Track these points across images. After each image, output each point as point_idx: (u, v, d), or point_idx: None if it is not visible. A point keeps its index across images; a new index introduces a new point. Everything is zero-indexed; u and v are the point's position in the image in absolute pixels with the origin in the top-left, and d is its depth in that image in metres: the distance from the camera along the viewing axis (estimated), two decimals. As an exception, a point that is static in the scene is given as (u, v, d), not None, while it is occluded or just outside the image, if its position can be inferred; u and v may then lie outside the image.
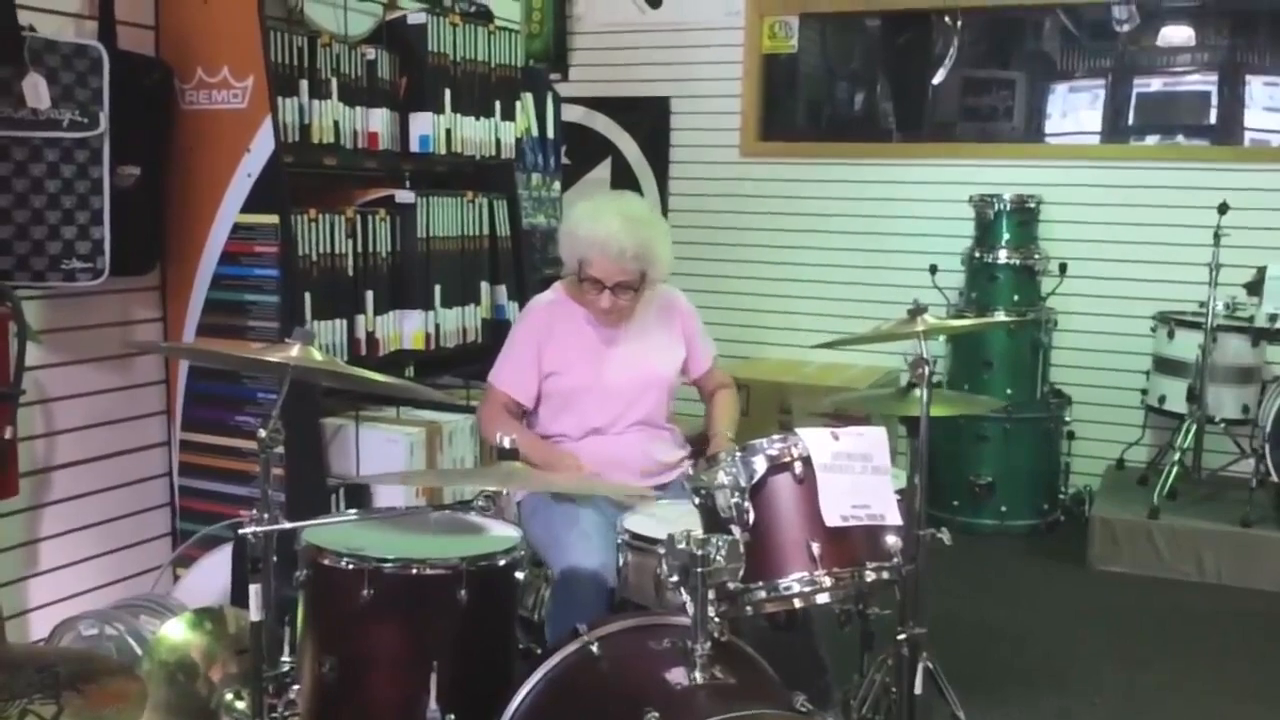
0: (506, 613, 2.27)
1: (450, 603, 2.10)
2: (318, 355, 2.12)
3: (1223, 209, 4.39)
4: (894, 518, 2.13)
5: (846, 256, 5.48)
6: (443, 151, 3.49)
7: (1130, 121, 5.41)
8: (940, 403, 2.79)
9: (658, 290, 3.04)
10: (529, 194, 4.50)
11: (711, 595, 1.95)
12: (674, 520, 2.26)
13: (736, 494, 2.09)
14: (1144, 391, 4.83)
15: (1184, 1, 5.26)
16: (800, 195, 5.53)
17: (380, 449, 3.17)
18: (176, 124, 3.09)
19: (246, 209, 3.04)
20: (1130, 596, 4.24)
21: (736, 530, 2.06)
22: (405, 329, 3.43)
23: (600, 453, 2.90)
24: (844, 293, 5.48)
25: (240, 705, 2.46)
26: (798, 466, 2.10)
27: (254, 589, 1.99)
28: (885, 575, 2.12)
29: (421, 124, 3.45)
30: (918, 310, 2.58)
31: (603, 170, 5.85)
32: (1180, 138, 5.36)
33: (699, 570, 1.93)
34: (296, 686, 2.17)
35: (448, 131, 3.50)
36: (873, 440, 2.15)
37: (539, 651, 2.24)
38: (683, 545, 1.95)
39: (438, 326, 3.52)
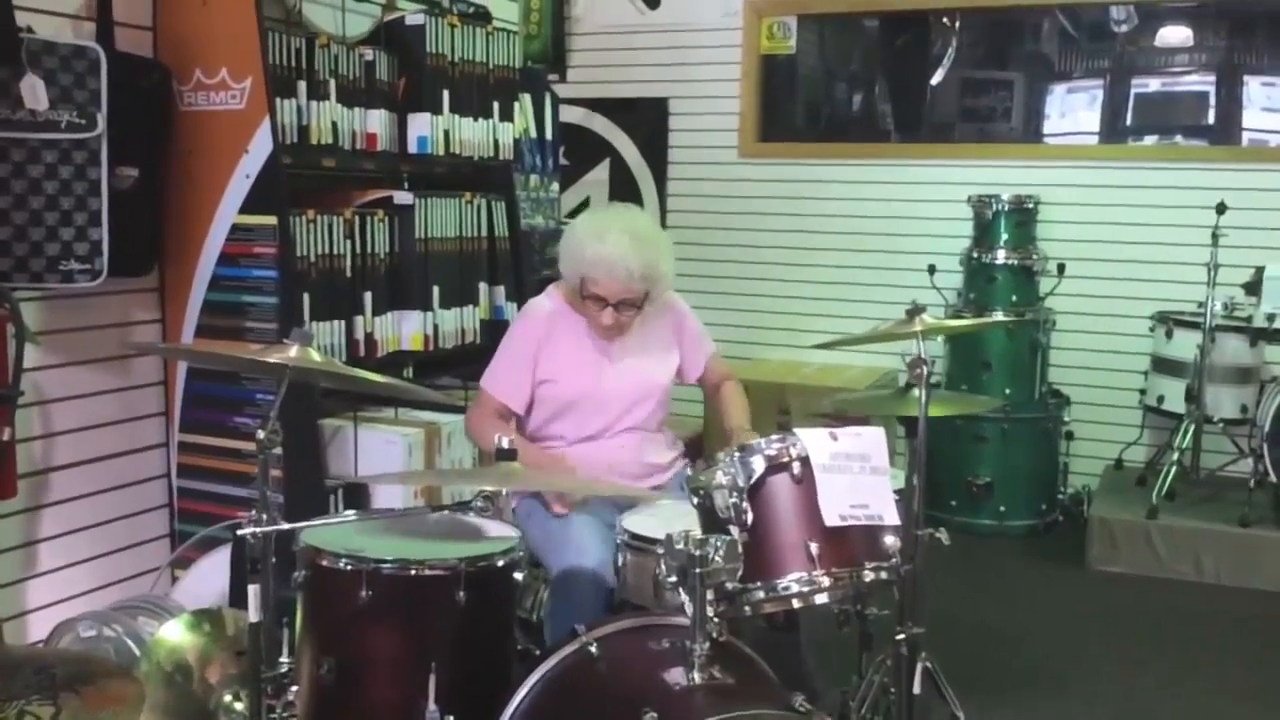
0: (505, 614, 2.27)
1: (449, 604, 2.10)
2: (316, 356, 2.12)
3: (1221, 209, 4.40)
4: (892, 518, 2.12)
5: (845, 257, 5.48)
6: (441, 152, 3.49)
7: (1128, 122, 5.41)
8: (939, 403, 2.79)
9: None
10: (527, 195, 4.50)
11: (710, 595, 1.95)
12: (672, 520, 2.26)
13: (735, 494, 2.09)
14: (1142, 391, 4.84)
15: (1182, 2, 5.26)
16: (799, 196, 5.53)
17: (379, 450, 3.17)
18: (175, 125, 3.09)
19: (245, 210, 3.04)
20: (1129, 596, 4.24)
21: (735, 530, 2.06)
22: (404, 330, 3.43)
23: (592, 457, 2.86)
24: (842, 293, 5.47)
25: (239, 707, 2.46)
26: (796, 467, 2.10)
27: (252, 590, 1.99)
28: (884, 575, 2.11)
29: (420, 125, 3.45)
30: (916, 310, 2.59)
31: (601, 171, 5.84)
32: (1178, 138, 5.36)
33: (697, 570, 1.93)
34: (295, 688, 2.17)
35: (446, 132, 3.50)
36: (871, 440, 2.15)
37: (537, 652, 2.23)
38: (681, 545, 1.95)
39: (436, 327, 3.52)
